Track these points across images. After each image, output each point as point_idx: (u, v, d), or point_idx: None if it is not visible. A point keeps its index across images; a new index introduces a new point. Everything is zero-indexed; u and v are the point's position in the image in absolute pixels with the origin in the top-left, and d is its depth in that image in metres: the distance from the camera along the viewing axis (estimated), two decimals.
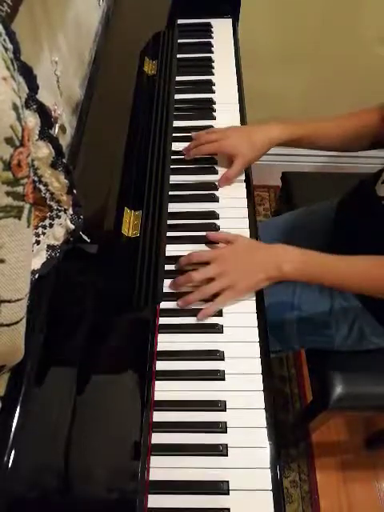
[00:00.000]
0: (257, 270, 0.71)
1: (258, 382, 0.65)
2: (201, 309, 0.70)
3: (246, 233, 0.80)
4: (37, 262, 0.51)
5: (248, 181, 0.87)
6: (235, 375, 0.65)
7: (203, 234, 0.78)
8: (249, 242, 0.77)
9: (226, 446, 0.59)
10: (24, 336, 0.44)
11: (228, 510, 0.55)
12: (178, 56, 1.04)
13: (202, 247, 0.78)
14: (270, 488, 0.57)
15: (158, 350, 0.67)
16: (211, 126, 0.94)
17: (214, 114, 0.97)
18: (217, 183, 0.86)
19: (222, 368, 0.66)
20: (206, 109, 0.98)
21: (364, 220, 0.87)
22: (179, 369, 0.66)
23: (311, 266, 0.73)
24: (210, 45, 1.10)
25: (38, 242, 0.52)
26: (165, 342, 0.68)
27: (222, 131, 0.87)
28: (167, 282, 0.73)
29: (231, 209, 0.83)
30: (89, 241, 0.59)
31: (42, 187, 0.51)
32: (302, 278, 0.74)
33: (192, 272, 0.71)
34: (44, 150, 0.48)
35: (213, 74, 1.04)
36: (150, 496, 0.56)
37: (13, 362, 0.45)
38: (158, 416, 0.62)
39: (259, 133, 0.85)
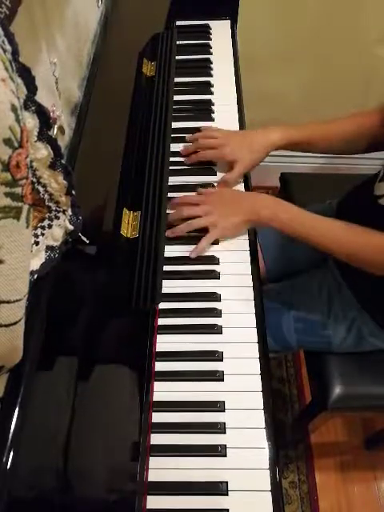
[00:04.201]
0: (237, 212, 0.78)
1: (256, 383, 0.65)
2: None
3: (245, 234, 0.80)
4: (36, 263, 0.51)
5: (246, 182, 0.88)
6: (234, 376, 0.65)
7: (202, 235, 0.78)
8: (233, 190, 0.85)
9: (224, 447, 0.59)
10: (23, 337, 0.44)
11: (227, 510, 0.56)
12: (177, 57, 1.04)
13: None
14: (269, 489, 0.57)
15: (156, 350, 0.67)
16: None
17: (212, 115, 0.97)
18: (215, 184, 0.86)
19: (221, 369, 0.66)
20: (204, 110, 0.98)
21: (363, 220, 0.87)
22: (178, 369, 0.66)
23: (287, 216, 0.77)
24: (208, 46, 1.10)
25: (36, 243, 0.52)
26: (164, 342, 0.68)
27: (221, 136, 0.87)
28: (166, 283, 0.73)
29: None
30: (88, 242, 0.59)
31: (40, 188, 0.51)
32: (278, 225, 0.77)
33: (183, 207, 0.79)
34: (43, 151, 0.48)
35: (211, 76, 1.05)
36: (148, 497, 0.56)
37: (11, 363, 0.45)
38: (157, 417, 0.62)
39: (258, 137, 0.86)
